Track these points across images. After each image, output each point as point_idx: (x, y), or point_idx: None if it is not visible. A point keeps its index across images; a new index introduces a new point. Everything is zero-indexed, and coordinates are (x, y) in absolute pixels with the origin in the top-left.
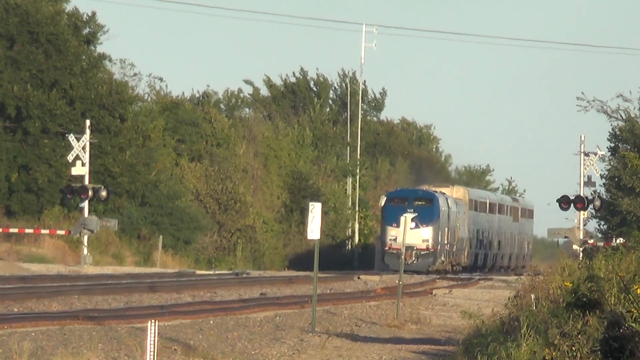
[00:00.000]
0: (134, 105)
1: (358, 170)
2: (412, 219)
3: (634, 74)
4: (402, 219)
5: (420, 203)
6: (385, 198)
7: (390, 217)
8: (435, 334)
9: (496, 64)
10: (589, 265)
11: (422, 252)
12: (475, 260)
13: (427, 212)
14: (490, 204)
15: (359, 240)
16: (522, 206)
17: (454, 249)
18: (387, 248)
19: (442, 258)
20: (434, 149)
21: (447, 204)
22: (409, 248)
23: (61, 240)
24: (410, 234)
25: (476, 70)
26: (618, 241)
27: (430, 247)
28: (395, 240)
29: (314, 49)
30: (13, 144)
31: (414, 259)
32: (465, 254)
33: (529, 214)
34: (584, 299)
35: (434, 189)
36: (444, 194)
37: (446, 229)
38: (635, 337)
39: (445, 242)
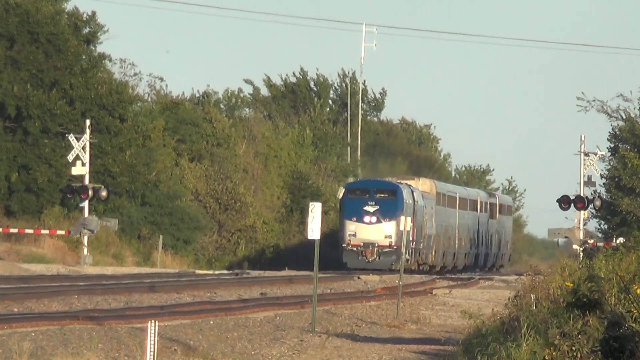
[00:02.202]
0: (134, 105)
1: (360, 171)
2: (373, 213)
3: (634, 74)
4: (402, 219)
5: (382, 195)
6: (344, 190)
7: (350, 210)
8: (435, 334)
9: (496, 64)
10: (589, 265)
11: (384, 249)
12: (445, 259)
13: (390, 205)
14: (461, 198)
15: None
16: (499, 202)
17: (421, 247)
18: (345, 245)
19: (407, 256)
20: (433, 149)
21: (413, 196)
22: (369, 244)
23: (61, 240)
24: (370, 229)
25: (476, 70)
26: (618, 241)
27: (393, 243)
28: (354, 235)
29: (314, 49)
30: (13, 144)
31: (375, 256)
32: (433, 252)
33: (507, 210)
34: (584, 299)
35: (398, 181)
36: (409, 185)
37: (411, 224)
38: (635, 337)
39: (410, 238)
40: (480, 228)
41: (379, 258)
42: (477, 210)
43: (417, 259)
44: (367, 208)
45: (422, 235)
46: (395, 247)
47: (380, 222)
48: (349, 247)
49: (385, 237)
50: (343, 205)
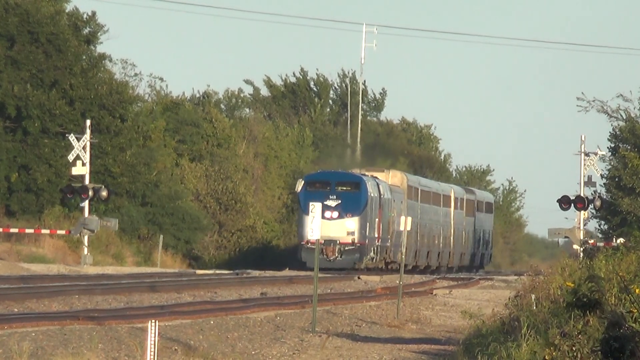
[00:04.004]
0: (135, 106)
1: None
2: (335, 207)
3: (634, 74)
4: (403, 218)
5: (344, 188)
6: (303, 182)
7: (309, 205)
8: (436, 334)
9: (496, 64)
10: (589, 265)
11: (346, 247)
12: (417, 258)
13: (353, 200)
14: (435, 193)
15: None
16: (478, 199)
17: (388, 244)
18: (304, 242)
19: (372, 254)
20: (434, 149)
21: (378, 190)
22: (330, 242)
23: (61, 240)
24: (331, 225)
25: (476, 70)
26: (618, 241)
27: (356, 240)
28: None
29: (314, 49)
30: (13, 144)
31: (336, 254)
32: (403, 250)
33: (487, 207)
34: (585, 299)
35: (365, 173)
36: (375, 178)
37: (377, 219)
38: (635, 337)
39: (376, 235)
40: (456, 225)
41: (341, 257)
42: (453, 206)
43: (384, 257)
44: (327, 202)
45: (389, 232)
46: (358, 244)
47: (342, 217)
48: (309, 245)
49: (348, 233)
50: (301, 199)
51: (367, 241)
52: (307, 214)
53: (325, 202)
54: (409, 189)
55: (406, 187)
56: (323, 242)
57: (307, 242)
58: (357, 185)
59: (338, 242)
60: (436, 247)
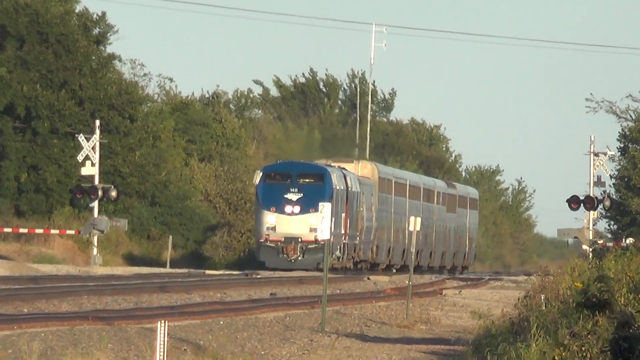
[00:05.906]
0: (144, 106)
1: None
2: (296, 202)
3: None
4: (412, 219)
5: (306, 181)
6: (261, 174)
7: (267, 199)
8: (445, 334)
9: (506, 64)
10: (598, 266)
11: (308, 246)
12: (391, 256)
13: (316, 193)
14: (411, 186)
15: None
16: (460, 194)
17: (357, 241)
18: (262, 240)
19: (338, 253)
20: (443, 149)
21: (345, 182)
22: (292, 240)
23: (71, 241)
24: (292, 221)
25: (486, 70)
26: (628, 241)
27: (319, 238)
28: (273, 229)
29: (324, 49)
30: (22, 144)
31: (298, 254)
32: (374, 248)
33: (471, 204)
34: (594, 300)
35: (331, 163)
36: (342, 169)
37: (343, 215)
38: None
39: (342, 231)
40: (436, 222)
41: (303, 256)
42: (431, 201)
43: (352, 256)
44: (288, 196)
45: (358, 228)
46: (323, 242)
47: (305, 212)
48: (267, 243)
49: (311, 230)
50: (259, 193)
51: (332, 239)
52: (266, 209)
53: (285, 196)
54: (381, 181)
55: (377, 179)
56: (283, 240)
57: (266, 239)
58: (320, 176)
59: (300, 239)
60: (414, 244)
